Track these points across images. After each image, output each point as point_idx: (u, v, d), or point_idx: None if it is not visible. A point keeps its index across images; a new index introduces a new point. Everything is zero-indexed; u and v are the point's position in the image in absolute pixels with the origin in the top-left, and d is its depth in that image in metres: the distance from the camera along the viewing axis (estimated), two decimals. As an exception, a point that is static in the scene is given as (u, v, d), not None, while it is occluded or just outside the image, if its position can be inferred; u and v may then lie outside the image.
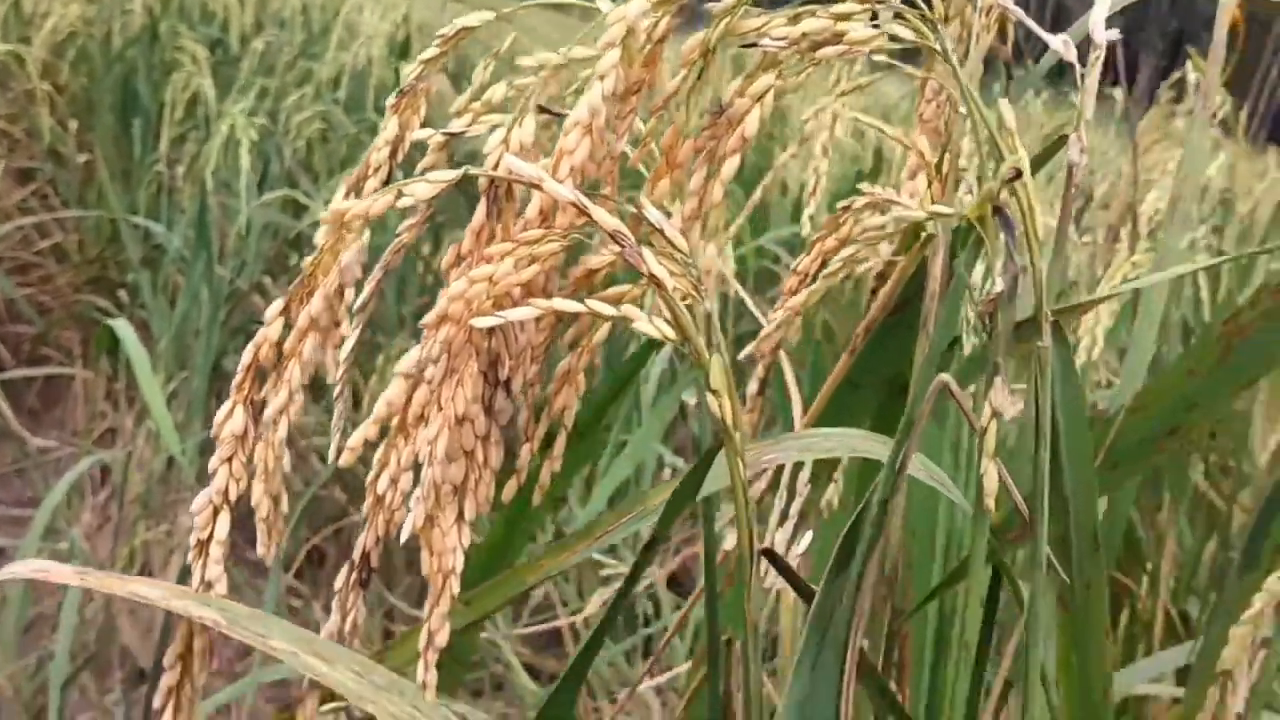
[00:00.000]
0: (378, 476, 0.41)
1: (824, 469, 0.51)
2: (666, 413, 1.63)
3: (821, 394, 0.47)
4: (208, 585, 0.37)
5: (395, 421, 0.41)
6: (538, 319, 0.37)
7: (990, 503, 0.34)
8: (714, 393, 0.34)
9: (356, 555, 0.43)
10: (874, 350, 0.47)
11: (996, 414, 0.33)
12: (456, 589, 0.38)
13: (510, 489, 0.39)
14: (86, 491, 2.22)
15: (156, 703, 0.38)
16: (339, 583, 0.43)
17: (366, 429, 0.35)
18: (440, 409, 0.35)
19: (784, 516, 0.49)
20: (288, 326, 0.39)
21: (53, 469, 2.17)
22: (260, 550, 0.42)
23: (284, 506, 0.42)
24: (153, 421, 2.10)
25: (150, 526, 2.05)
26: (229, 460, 0.36)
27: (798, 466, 0.50)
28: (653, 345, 0.42)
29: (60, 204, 2.65)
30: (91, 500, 2.22)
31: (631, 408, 1.82)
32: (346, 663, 0.35)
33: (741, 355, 0.43)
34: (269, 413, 0.36)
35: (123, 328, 1.55)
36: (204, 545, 0.37)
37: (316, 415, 2.20)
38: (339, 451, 0.36)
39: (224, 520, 0.37)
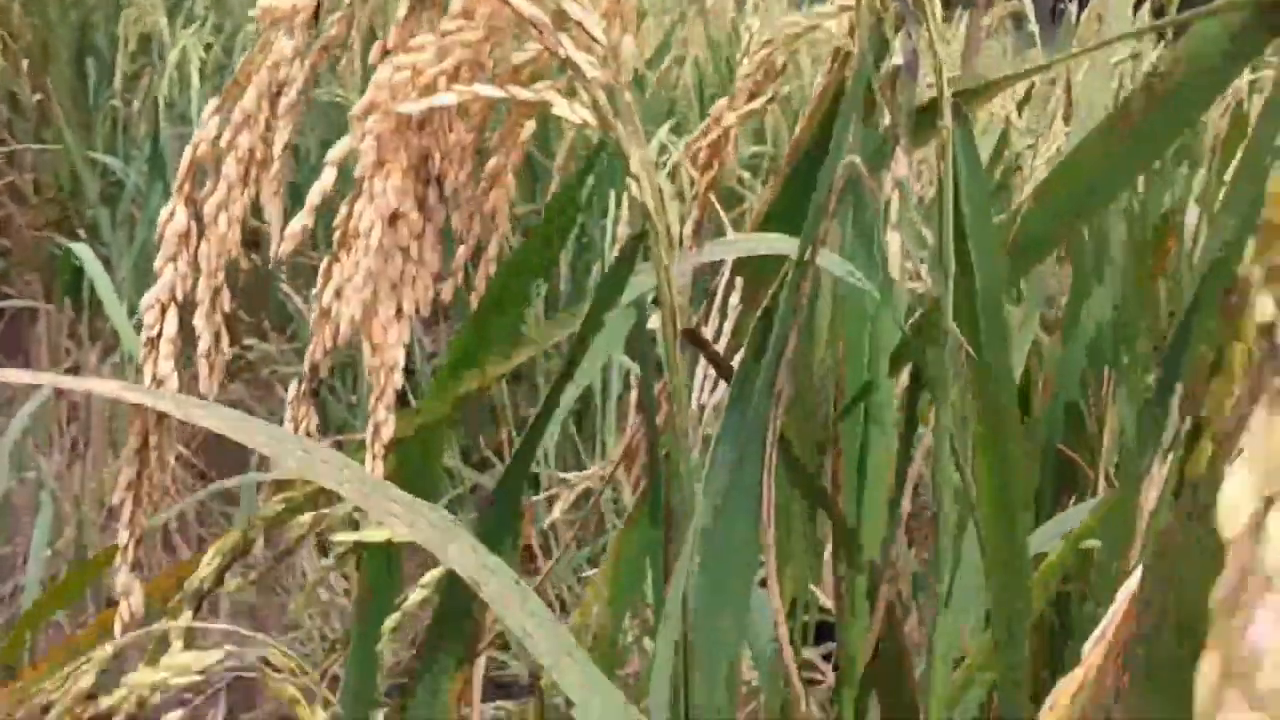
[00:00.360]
0: (323, 289, 0.42)
1: (757, 296, 0.53)
2: (629, 320, 1.65)
3: (754, 216, 0.49)
4: (159, 381, 0.39)
5: (337, 236, 0.42)
6: (465, 118, 0.39)
7: (895, 271, 0.36)
8: (634, 178, 0.36)
9: (306, 366, 0.45)
10: (802, 171, 0.49)
11: (898, 184, 0.35)
12: (399, 382, 0.40)
13: (449, 289, 0.41)
14: (54, 434, 2.22)
15: (115, 499, 0.39)
16: (290, 394, 0.45)
17: (303, 218, 0.37)
18: (372, 200, 0.36)
19: (717, 335, 0.51)
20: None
21: (20, 404, 2.18)
22: (202, 386, 0.43)
23: (225, 345, 0.44)
24: (118, 355, 2.10)
25: (118, 455, 2.05)
26: (174, 259, 0.38)
27: (729, 293, 0.52)
28: (598, 153, 0.44)
29: (18, 147, 2.64)
30: (60, 441, 2.22)
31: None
32: (294, 444, 0.37)
33: (669, 163, 0.45)
34: (209, 209, 0.37)
35: (83, 251, 1.56)
36: (154, 343, 0.38)
37: (278, 344, 2.21)
38: (279, 240, 0.37)
39: (171, 318, 0.38)
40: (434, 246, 0.39)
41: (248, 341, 2.22)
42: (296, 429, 0.44)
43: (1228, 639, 0.14)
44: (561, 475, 1.70)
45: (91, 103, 2.46)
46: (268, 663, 0.35)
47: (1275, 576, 0.14)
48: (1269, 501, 0.14)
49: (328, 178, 0.37)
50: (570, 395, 1.22)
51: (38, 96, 2.53)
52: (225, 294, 0.44)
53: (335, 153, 0.36)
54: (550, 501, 1.79)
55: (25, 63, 2.54)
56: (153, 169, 2.11)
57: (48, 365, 2.31)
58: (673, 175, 1.54)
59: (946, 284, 0.38)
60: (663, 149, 1.57)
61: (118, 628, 0.39)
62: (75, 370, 2.31)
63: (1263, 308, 0.16)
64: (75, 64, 2.54)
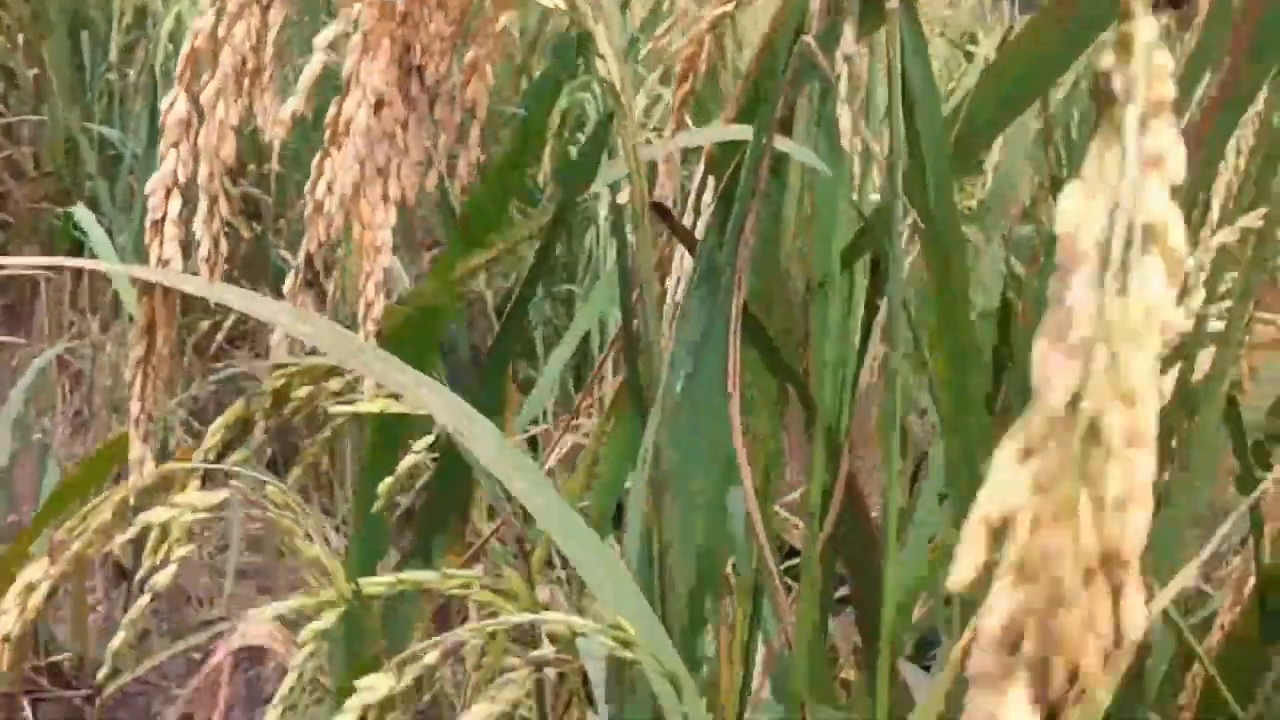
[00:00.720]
0: (315, 184, 0.46)
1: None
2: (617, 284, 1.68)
3: (724, 117, 0.52)
4: (164, 262, 0.42)
5: (328, 135, 0.46)
6: (444, 10, 0.42)
7: (845, 142, 0.39)
8: (601, 58, 0.39)
9: (300, 260, 0.48)
10: (768, 70, 0.51)
11: (847, 59, 0.38)
12: (387, 262, 0.43)
13: (432, 178, 0.44)
14: (58, 404, 2.24)
15: (127, 375, 0.42)
16: (287, 287, 0.48)
17: (294, 104, 0.40)
18: (359, 82, 0.39)
19: (691, 230, 0.54)
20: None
21: (22, 370, 2.21)
22: (204, 252, 0.46)
23: (224, 248, 0.47)
24: (119, 324, 2.13)
25: (121, 422, 2.08)
26: (176, 145, 0.41)
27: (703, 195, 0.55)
28: (579, 50, 0.47)
29: (15, 121, 2.67)
30: (63, 408, 2.25)
31: (592, 277, 1.88)
32: (296, 317, 0.40)
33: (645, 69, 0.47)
34: (207, 96, 0.40)
35: (84, 214, 1.58)
36: (158, 226, 0.41)
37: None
38: (272, 124, 0.40)
39: (175, 201, 0.41)
40: (418, 136, 0.42)
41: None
42: (294, 317, 0.47)
43: (1054, 314, 0.17)
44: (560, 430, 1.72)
45: (88, 76, 2.48)
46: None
47: (1089, 251, 0.17)
48: (1089, 203, 0.17)
49: (316, 63, 0.40)
50: (566, 351, 1.24)
51: (34, 71, 2.56)
52: (224, 203, 0.47)
53: (323, 38, 0.39)
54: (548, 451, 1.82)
55: (20, 37, 2.56)
56: (151, 140, 2.13)
57: (50, 335, 2.34)
58: (658, 131, 1.57)
59: (895, 156, 0.41)
60: (656, 100, 1.60)
61: (131, 487, 0.42)
62: (80, 339, 2.34)
63: (1105, 61, 0.19)
64: (70, 37, 2.57)
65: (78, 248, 2.39)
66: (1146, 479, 0.17)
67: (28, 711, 1.59)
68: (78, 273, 2.36)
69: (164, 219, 0.41)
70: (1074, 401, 0.17)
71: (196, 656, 1.78)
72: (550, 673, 0.45)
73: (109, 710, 1.65)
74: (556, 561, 0.58)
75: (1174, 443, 0.51)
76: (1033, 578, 0.17)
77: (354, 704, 0.31)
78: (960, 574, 0.17)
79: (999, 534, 0.17)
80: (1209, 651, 0.52)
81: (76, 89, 2.48)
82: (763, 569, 0.49)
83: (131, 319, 1.80)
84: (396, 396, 0.45)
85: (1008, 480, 0.17)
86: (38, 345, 2.37)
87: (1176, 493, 0.46)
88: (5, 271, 2.44)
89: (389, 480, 0.44)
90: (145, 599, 0.37)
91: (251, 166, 2.37)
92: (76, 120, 2.35)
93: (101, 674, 0.34)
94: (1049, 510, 0.17)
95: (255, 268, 2.40)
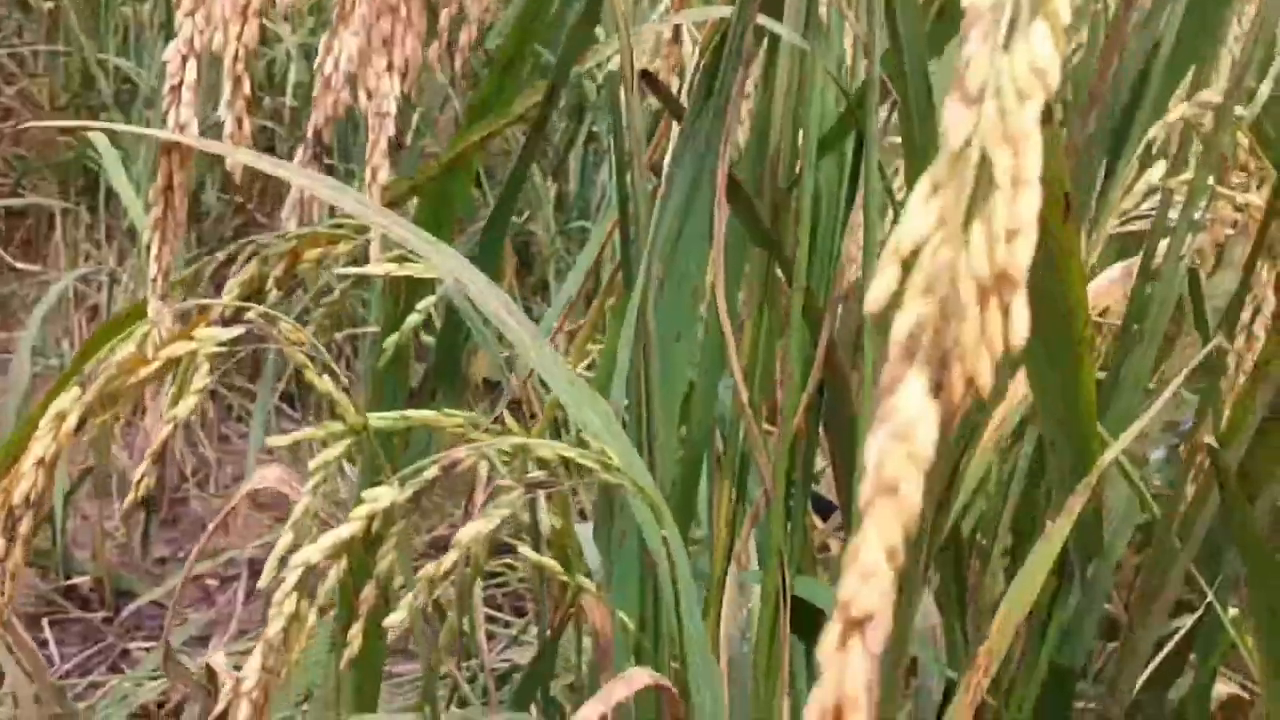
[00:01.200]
0: (323, 60, 0.48)
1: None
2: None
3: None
4: (181, 126, 0.44)
5: (335, 14, 0.48)
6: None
7: (822, 12, 0.41)
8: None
9: (309, 134, 0.50)
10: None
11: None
12: (392, 131, 0.46)
13: (435, 51, 0.46)
14: (75, 333, 2.28)
15: (145, 237, 0.45)
16: (297, 159, 0.51)
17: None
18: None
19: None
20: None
21: (38, 298, 2.24)
22: (229, 129, 0.49)
23: (247, 128, 0.50)
24: (136, 257, 2.17)
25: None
26: (191, 14, 0.43)
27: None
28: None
29: (29, 54, 2.69)
30: (80, 339, 2.28)
31: (604, 205, 1.92)
32: (316, 179, 0.43)
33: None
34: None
35: (99, 138, 1.61)
36: (176, 91, 0.44)
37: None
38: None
39: (191, 67, 0.44)
40: (420, 10, 0.45)
41: (264, 240, 2.28)
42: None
43: (959, 71, 0.20)
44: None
45: (103, 8, 2.50)
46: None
47: (984, 13, 0.20)
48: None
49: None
50: (578, 275, 1.26)
51: (50, 4, 2.58)
52: (246, 84, 0.50)
53: (331, -91, 0.42)
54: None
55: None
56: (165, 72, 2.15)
57: (65, 267, 2.38)
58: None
59: (872, 34, 0.43)
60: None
61: (149, 350, 0.45)
62: (96, 271, 2.38)
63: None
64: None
65: (93, 179, 2.42)
66: (1030, 215, 0.20)
67: (48, 632, 1.63)
68: (93, 205, 2.39)
69: (181, 85, 0.44)
70: (969, 143, 0.19)
71: (212, 583, 1.83)
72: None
73: (126, 631, 1.69)
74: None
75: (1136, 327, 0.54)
76: (933, 293, 0.20)
77: (361, 512, 0.35)
78: (875, 295, 0.20)
79: (910, 266, 0.20)
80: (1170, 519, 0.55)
81: (92, 21, 2.50)
82: (747, 432, 0.52)
83: (147, 250, 1.84)
84: (402, 261, 0.48)
85: (917, 216, 0.20)
86: (54, 275, 2.40)
87: (1133, 360, 0.48)
88: (22, 202, 2.47)
89: (394, 336, 0.47)
90: (168, 429, 0.40)
91: (266, 100, 2.40)
92: (93, 53, 2.37)
93: (136, 492, 0.37)
94: (947, 236, 0.20)
95: (272, 201, 2.43)
